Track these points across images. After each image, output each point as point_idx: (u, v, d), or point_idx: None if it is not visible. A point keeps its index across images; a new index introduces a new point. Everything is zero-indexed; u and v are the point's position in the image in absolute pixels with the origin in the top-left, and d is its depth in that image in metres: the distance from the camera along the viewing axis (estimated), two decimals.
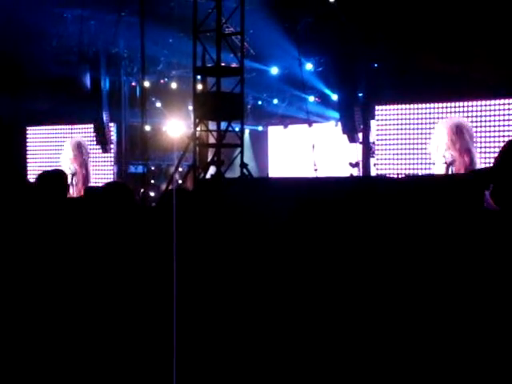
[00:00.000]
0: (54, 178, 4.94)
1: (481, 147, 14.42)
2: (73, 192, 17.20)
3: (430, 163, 15.08)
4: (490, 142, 14.30)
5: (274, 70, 17.96)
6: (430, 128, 15.16)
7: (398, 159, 15.63)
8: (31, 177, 18.83)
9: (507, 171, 2.46)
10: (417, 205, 3.34)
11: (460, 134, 14.59)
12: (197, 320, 2.54)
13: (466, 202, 3.11)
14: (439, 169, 14.75)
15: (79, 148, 19.01)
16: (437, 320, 2.71)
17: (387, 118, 15.83)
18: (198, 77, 14.24)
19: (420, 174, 15.12)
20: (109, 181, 16.81)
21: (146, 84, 17.22)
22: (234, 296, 2.45)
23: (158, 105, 19.98)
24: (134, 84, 19.31)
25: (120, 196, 3.59)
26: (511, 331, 2.52)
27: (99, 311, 3.25)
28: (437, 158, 14.88)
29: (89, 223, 3.51)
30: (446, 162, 14.49)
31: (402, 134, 15.57)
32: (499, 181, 2.46)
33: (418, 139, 15.31)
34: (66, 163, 18.98)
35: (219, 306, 2.48)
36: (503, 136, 14.10)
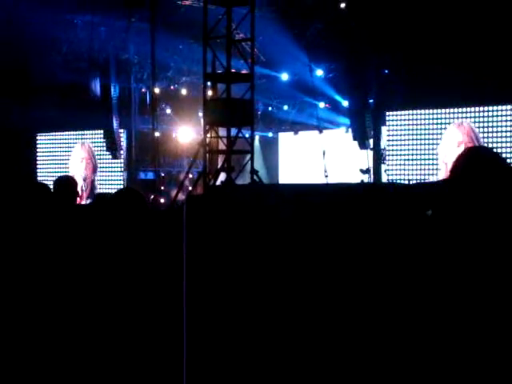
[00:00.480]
0: (64, 184, 4.93)
1: None
2: (81, 198, 17.22)
3: (439, 169, 15.06)
4: (498, 147, 14.26)
5: (284, 77, 17.95)
6: (440, 134, 15.12)
7: (408, 165, 15.59)
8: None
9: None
10: (427, 211, 3.31)
11: (475, 138, 14.58)
12: (207, 323, 2.53)
13: (475, 208, 3.08)
14: (445, 174, 14.70)
15: (89, 152, 19.07)
16: (439, 324, 2.69)
17: (398, 124, 15.79)
18: (208, 83, 14.23)
19: (431, 180, 15.07)
20: (119, 187, 16.84)
21: (156, 90, 17.22)
22: (245, 301, 2.42)
23: (168, 111, 20.01)
24: (144, 90, 19.35)
25: (132, 202, 3.56)
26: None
27: (110, 315, 3.23)
28: (449, 162, 14.84)
29: (100, 231, 3.49)
30: None
31: (412, 140, 15.53)
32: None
33: (429, 145, 15.27)
34: (76, 167, 19.03)
35: (229, 310, 2.47)
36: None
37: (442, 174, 14.99)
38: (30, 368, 3.11)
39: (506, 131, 14.24)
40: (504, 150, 14.15)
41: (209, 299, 2.51)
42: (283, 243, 2.98)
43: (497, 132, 14.36)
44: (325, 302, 2.67)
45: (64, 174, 18.72)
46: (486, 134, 14.48)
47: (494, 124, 14.39)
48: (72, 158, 19.19)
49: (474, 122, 14.67)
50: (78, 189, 5.37)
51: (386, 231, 3.20)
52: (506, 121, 14.23)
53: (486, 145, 14.37)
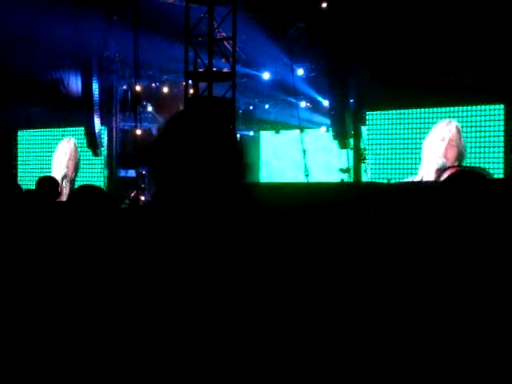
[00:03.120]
0: (46, 184, 4.98)
1: (471, 152, 14.53)
2: (62, 196, 17.19)
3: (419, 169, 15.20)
4: (479, 147, 14.42)
5: (266, 76, 17.98)
6: (420, 133, 15.25)
7: (388, 164, 15.70)
8: (22, 180, 18.84)
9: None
10: (407, 211, 3.37)
11: (458, 138, 14.78)
12: (188, 323, 2.53)
13: (459, 209, 3.13)
14: (429, 174, 14.85)
15: (73, 149, 19.12)
16: (439, 325, 2.73)
17: (378, 124, 15.91)
18: (190, 81, 14.25)
19: (411, 180, 15.21)
20: (100, 184, 16.82)
21: (138, 88, 17.21)
22: (232, 300, 2.45)
23: (150, 109, 19.98)
24: (125, 88, 19.31)
25: (90, 200, 3.57)
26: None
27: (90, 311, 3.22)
28: (428, 163, 15.00)
29: (65, 227, 3.51)
30: (437, 169, 14.63)
31: (392, 139, 15.65)
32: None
33: (409, 145, 15.39)
34: (59, 161, 19.04)
35: (218, 308, 2.48)
36: (493, 141, 14.23)
37: (423, 170, 15.09)
38: (22, 367, 3.11)
39: (484, 131, 14.39)
40: (484, 150, 14.30)
41: (197, 296, 2.52)
42: (263, 242, 3.00)
43: (475, 131, 14.51)
44: (316, 302, 2.70)
45: (45, 170, 18.83)
46: (465, 134, 14.63)
47: (473, 124, 14.53)
48: (57, 152, 19.21)
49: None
50: (60, 187, 5.42)
51: (371, 229, 3.26)
52: (484, 120, 14.38)
53: (467, 144, 14.57)
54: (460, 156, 14.66)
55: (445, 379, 2.59)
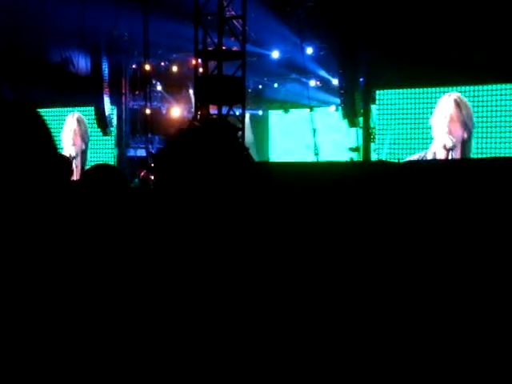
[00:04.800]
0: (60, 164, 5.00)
1: (483, 132, 14.50)
2: (75, 175, 17.28)
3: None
4: (490, 126, 14.38)
5: (275, 54, 17.93)
6: (430, 112, 15.23)
7: (398, 144, 15.69)
8: None
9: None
10: (417, 190, 3.38)
11: (460, 110, 14.78)
12: (195, 316, 2.55)
13: (470, 186, 3.14)
14: (439, 153, 14.85)
15: (79, 123, 19.15)
16: (444, 318, 2.74)
17: (387, 103, 15.87)
18: (200, 60, 14.23)
19: (420, 155, 15.22)
20: (111, 164, 16.87)
21: (147, 67, 17.21)
22: (233, 288, 2.46)
23: (159, 88, 19.98)
24: (134, 67, 19.30)
25: (111, 180, 3.58)
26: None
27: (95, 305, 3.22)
28: (437, 141, 14.99)
29: (84, 209, 3.52)
30: (446, 147, 14.62)
31: (402, 118, 15.62)
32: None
33: (418, 123, 15.36)
34: (67, 140, 19.08)
35: (217, 298, 2.50)
36: (504, 121, 14.19)
37: (431, 152, 15.10)
38: (22, 366, 3.10)
39: (496, 110, 14.34)
40: (496, 130, 14.28)
41: (197, 287, 2.54)
42: (273, 221, 3.01)
43: (488, 111, 14.47)
44: (317, 290, 2.71)
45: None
46: (477, 113, 14.59)
47: (484, 103, 14.49)
48: (64, 129, 19.25)
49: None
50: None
51: (379, 211, 3.27)
52: (498, 100, 14.33)
53: (476, 123, 14.53)
54: (465, 129, 14.65)
55: (444, 377, 2.60)
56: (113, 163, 18.05)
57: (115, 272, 2.70)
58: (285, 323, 2.26)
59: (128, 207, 3.41)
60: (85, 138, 19.15)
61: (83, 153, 19.06)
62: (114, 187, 3.51)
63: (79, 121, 19.20)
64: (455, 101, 14.82)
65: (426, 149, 15.20)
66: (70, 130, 19.26)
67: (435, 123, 15.06)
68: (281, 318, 2.27)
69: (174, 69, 19.49)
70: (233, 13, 14.26)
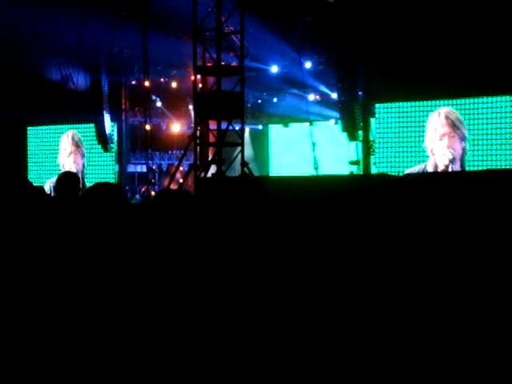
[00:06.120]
0: (67, 180, 5.03)
1: (479, 144, 14.54)
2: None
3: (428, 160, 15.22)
4: (488, 139, 14.43)
5: (274, 69, 17.98)
6: None
7: (397, 157, 15.72)
8: (32, 175, 18.95)
9: None
10: (417, 202, 3.39)
11: (456, 127, 14.85)
12: (195, 319, 2.56)
13: (468, 199, 3.16)
14: (440, 166, 14.88)
15: (76, 142, 19.20)
16: (448, 317, 2.75)
17: (387, 116, 15.91)
18: (198, 76, 14.28)
19: (420, 168, 15.25)
20: (111, 180, 16.91)
21: (147, 83, 17.26)
22: (235, 295, 2.49)
23: (159, 104, 20.03)
24: (134, 83, 19.36)
25: (112, 198, 3.60)
26: None
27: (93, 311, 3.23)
28: (437, 156, 15.01)
29: (85, 225, 3.54)
30: (447, 160, 14.67)
31: (401, 131, 15.66)
32: None
33: (418, 136, 15.40)
34: (66, 160, 19.11)
35: (219, 305, 2.52)
36: (501, 133, 14.23)
37: (431, 164, 15.12)
38: (22, 365, 3.12)
39: (493, 122, 14.38)
40: (493, 142, 14.31)
41: (198, 292, 2.56)
42: (273, 234, 3.04)
43: (485, 123, 14.50)
44: (314, 292, 2.72)
45: (55, 166, 18.92)
46: (474, 126, 14.63)
47: (483, 115, 14.53)
48: (60, 151, 19.30)
49: (462, 113, 14.82)
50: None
51: (379, 222, 3.29)
52: (495, 112, 14.37)
53: (471, 136, 14.58)
54: (462, 140, 14.70)
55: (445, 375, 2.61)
56: (113, 179, 18.08)
57: (118, 281, 2.70)
58: (285, 331, 2.28)
59: (127, 223, 3.43)
60: (84, 154, 19.20)
61: (83, 169, 19.10)
62: (114, 204, 3.53)
63: (75, 139, 19.25)
64: (447, 117, 14.89)
65: (426, 161, 15.21)
66: (69, 150, 19.26)
67: (430, 141, 15.10)
68: (280, 327, 2.29)
69: (174, 85, 19.54)
70: (231, 28, 14.32)
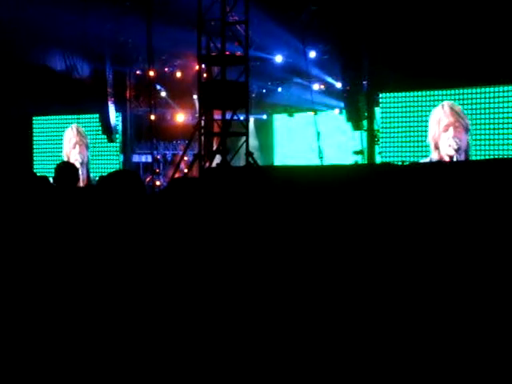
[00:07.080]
0: (65, 170, 5.04)
1: (482, 134, 14.52)
2: (82, 182, 17.36)
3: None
4: (492, 128, 14.41)
5: (278, 59, 17.94)
6: None
7: (402, 146, 15.70)
8: (37, 166, 18.98)
9: None
10: (422, 192, 3.40)
11: (459, 118, 14.84)
12: (200, 312, 2.57)
13: (473, 188, 3.16)
14: (445, 158, 14.87)
15: (80, 134, 19.23)
16: (448, 316, 2.75)
17: (391, 105, 15.89)
18: (203, 66, 14.27)
19: (425, 161, 15.22)
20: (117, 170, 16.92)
21: (151, 73, 17.25)
22: (239, 288, 2.49)
23: (163, 94, 20.02)
24: (138, 73, 19.35)
25: (131, 185, 3.62)
26: None
27: (102, 304, 3.24)
28: (442, 145, 15.00)
29: (102, 213, 3.55)
30: (453, 149, 14.66)
31: (406, 121, 15.64)
32: None
33: (423, 126, 15.38)
34: (72, 152, 19.15)
35: (223, 298, 2.52)
36: (505, 123, 14.20)
37: (435, 159, 15.10)
38: (24, 364, 3.11)
39: (498, 112, 14.35)
40: (496, 132, 14.29)
41: (202, 284, 2.57)
42: (278, 225, 3.04)
43: (490, 113, 14.48)
44: (321, 286, 2.72)
45: (61, 156, 18.96)
46: (477, 116, 14.60)
47: (487, 105, 14.51)
48: (64, 144, 19.34)
49: (467, 103, 14.79)
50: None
51: (383, 213, 3.29)
52: (499, 102, 14.34)
53: (474, 126, 14.56)
54: (466, 131, 14.69)
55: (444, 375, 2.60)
56: (118, 169, 18.10)
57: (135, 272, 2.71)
58: (287, 324, 2.28)
59: (147, 211, 3.45)
60: (88, 146, 19.22)
61: (88, 161, 19.13)
62: (133, 192, 3.55)
63: (79, 130, 19.28)
64: (451, 107, 14.88)
65: (430, 151, 15.21)
66: (74, 141, 19.30)
67: (434, 134, 15.09)
68: (282, 319, 2.29)
69: (178, 75, 19.51)
70: (236, 18, 14.30)
